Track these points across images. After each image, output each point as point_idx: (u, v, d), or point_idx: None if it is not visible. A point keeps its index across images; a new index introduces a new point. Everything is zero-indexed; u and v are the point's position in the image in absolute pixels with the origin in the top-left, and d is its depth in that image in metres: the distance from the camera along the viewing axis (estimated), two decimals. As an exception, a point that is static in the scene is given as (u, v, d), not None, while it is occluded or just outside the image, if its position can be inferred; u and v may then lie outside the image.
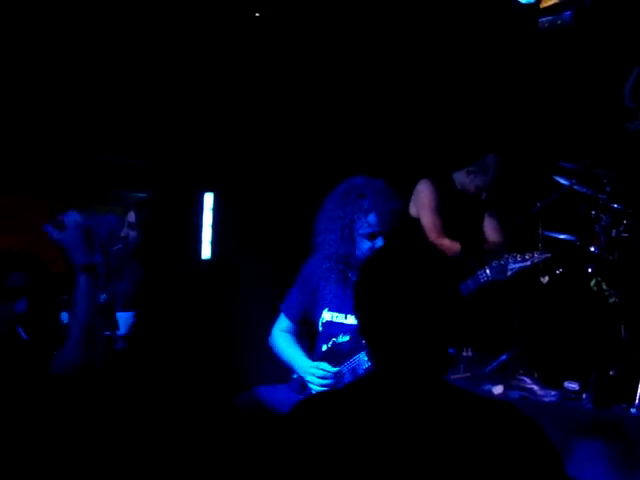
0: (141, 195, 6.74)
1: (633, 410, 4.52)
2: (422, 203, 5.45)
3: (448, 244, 5.22)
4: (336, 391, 2.19)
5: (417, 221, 5.43)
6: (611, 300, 4.93)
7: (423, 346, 1.98)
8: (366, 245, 3.83)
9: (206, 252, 7.12)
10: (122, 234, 5.07)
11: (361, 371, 3.71)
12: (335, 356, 3.84)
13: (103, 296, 4.87)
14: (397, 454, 1.87)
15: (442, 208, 5.44)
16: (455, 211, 5.46)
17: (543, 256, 3.77)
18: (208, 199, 7.17)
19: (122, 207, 5.80)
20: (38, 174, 6.31)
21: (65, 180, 6.43)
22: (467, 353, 5.36)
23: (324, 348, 3.93)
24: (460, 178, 5.53)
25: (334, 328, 3.90)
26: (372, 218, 3.82)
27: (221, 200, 7.14)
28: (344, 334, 3.86)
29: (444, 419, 1.91)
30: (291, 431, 1.98)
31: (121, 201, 6.69)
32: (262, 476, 1.98)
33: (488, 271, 3.73)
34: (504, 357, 5.19)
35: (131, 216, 5.14)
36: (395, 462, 1.86)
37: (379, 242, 3.81)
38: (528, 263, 3.73)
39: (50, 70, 5.82)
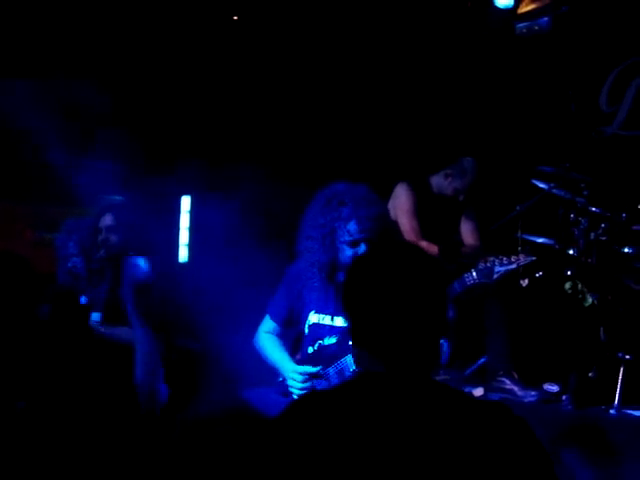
0: (115, 197, 6.70)
1: (612, 411, 4.58)
2: (400, 206, 5.50)
3: (425, 247, 5.25)
4: (329, 391, 2.20)
5: (395, 224, 5.45)
6: (587, 302, 4.98)
7: (414, 345, 2.01)
8: (349, 252, 3.82)
9: (183, 255, 7.11)
10: (101, 238, 4.99)
11: (348, 373, 3.71)
12: (321, 358, 3.84)
13: (83, 298, 4.84)
14: (390, 454, 1.88)
15: (420, 211, 5.48)
16: (432, 214, 5.51)
17: (529, 259, 3.80)
18: (185, 202, 7.16)
19: (94, 211, 5.76)
20: (13, 178, 6.27)
21: (42, 184, 6.39)
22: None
23: (310, 350, 3.93)
24: (437, 181, 5.58)
25: (320, 330, 3.91)
26: (352, 226, 3.81)
27: (198, 203, 7.13)
28: (330, 336, 3.86)
29: (437, 419, 1.93)
30: (284, 431, 1.98)
31: (96, 204, 6.65)
32: (255, 477, 1.98)
33: (475, 274, 3.75)
34: (484, 359, 5.22)
35: (108, 219, 5.05)
36: (389, 462, 1.87)
37: (362, 249, 3.80)
38: (514, 266, 3.75)
39: (35, 74, 5.77)
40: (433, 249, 5.28)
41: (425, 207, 5.51)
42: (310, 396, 2.20)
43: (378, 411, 1.94)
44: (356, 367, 2.44)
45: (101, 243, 5.01)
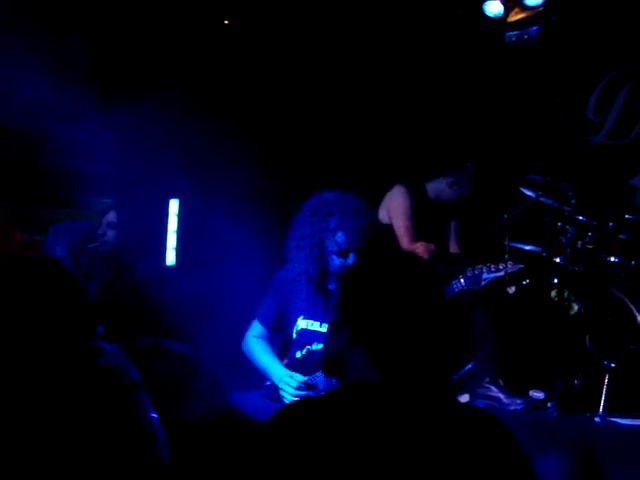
0: (105, 200, 6.70)
1: (597, 419, 4.60)
2: (396, 208, 5.44)
3: (422, 247, 5.23)
4: (321, 398, 2.20)
5: (387, 227, 5.42)
6: (573, 310, 5.02)
7: (412, 354, 2.01)
8: (337, 262, 3.86)
9: (170, 258, 7.09)
10: (99, 232, 5.04)
11: (335, 379, 3.73)
12: (309, 363, 3.86)
13: None
14: (379, 464, 1.88)
15: (415, 215, 5.44)
16: (427, 220, 5.48)
17: (516, 267, 3.83)
18: (173, 205, 7.15)
19: (87, 213, 5.76)
20: (4, 179, 6.25)
21: (33, 185, 6.38)
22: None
23: (298, 355, 3.95)
24: (436, 188, 5.56)
25: (309, 336, 3.92)
26: (340, 237, 3.84)
27: (186, 207, 7.12)
28: (318, 342, 3.88)
29: (428, 430, 1.93)
30: (276, 437, 1.98)
31: (86, 206, 6.65)
32: None
33: (462, 281, 3.78)
34: (470, 366, 5.23)
35: (111, 216, 5.11)
36: (377, 471, 1.88)
37: (350, 258, 3.83)
38: (502, 273, 3.78)
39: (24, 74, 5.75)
40: (430, 247, 5.26)
41: (420, 212, 5.48)
42: (302, 403, 2.20)
43: (369, 420, 1.93)
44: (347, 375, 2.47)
45: (98, 237, 5.05)
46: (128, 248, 5.10)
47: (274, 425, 2.01)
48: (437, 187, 5.58)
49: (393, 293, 2.01)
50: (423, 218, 5.47)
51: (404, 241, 5.33)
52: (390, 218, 5.45)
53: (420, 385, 2.02)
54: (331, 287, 3.93)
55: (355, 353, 2.07)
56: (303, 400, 2.18)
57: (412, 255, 2.18)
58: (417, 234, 5.41)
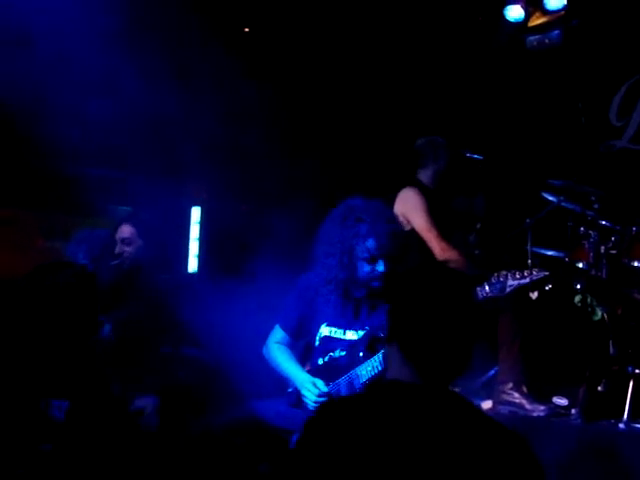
0: (125, 208, 6.73)
1: (621, 425, 4.56)
2: (413, 209, 5.28)
3: (455, 254, 5.13)
4: (354, 398, 2.44)
5: (409, 233, 5.30)
6: (597, 316, 4.98)
7: (444, 355, 2.20)
8: (367, 268, 3.85)
9: (192, 265, 7.14)
10: (117, 251, 5.00)
11: (357, 385, 3.73)
12: (331, 370, 3.85)
13: (107, 327, 4.69)
14: (404, 462, 2.01)
15: (431, 212, 5.34)
16: (440, 213, 5.37)
17: (541, 274, 3.79)
18: (195, 213, 7.21)
19: (108, 220, 5.78)
20: (27, 186, 6.29)
21: (54, 192, 6.42)
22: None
23: (320, 362, 3.94)
24: (431, 173, 5.47)
25: (332, 343, 3.91)
26: (371, 243, 3.83)
27: (208, 214, 7.16)
28: (341, 349, 3.88)
29: (451, 432, 2.06)
30: (315, 435, 2.13)
31: (107, 214, 6.68)
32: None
33: (487, 288, 3.74)
34: (493, 372, 5.21)
35: (124, 232, 5.07)
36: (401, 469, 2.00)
37: (380, 265, 3.82)
38: (527, 280, 3.74)
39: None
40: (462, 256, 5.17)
41: (433, 208, 5.34)
42: (337, 403, 2.32)
43: (398, 419, 2.08)
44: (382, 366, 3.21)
45: (117, 255, 5.03)
46: (150, 259, 5.09)
47: (313, 424, 2.17)
48: (430, 172, 5.48)
49: (431, 303, 2.22)
50: (436, 213, 5.35)
51: (432, 241, 5.13)
52: (409, 222, 5.29)
53: (446, 385, 2.21)
54: (357, 295, 3.93)
55: (392, 352, 2.25)
56: (337, 401, 2.30)
57: (446, 268, 2.50)
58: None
